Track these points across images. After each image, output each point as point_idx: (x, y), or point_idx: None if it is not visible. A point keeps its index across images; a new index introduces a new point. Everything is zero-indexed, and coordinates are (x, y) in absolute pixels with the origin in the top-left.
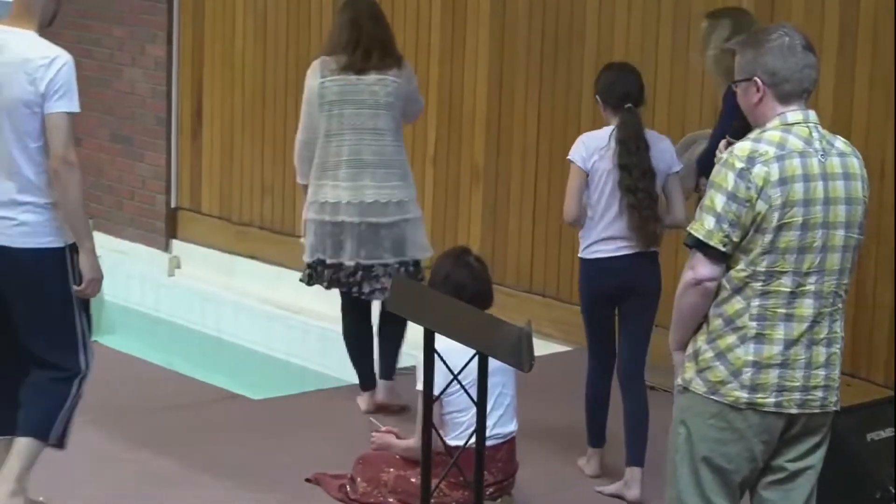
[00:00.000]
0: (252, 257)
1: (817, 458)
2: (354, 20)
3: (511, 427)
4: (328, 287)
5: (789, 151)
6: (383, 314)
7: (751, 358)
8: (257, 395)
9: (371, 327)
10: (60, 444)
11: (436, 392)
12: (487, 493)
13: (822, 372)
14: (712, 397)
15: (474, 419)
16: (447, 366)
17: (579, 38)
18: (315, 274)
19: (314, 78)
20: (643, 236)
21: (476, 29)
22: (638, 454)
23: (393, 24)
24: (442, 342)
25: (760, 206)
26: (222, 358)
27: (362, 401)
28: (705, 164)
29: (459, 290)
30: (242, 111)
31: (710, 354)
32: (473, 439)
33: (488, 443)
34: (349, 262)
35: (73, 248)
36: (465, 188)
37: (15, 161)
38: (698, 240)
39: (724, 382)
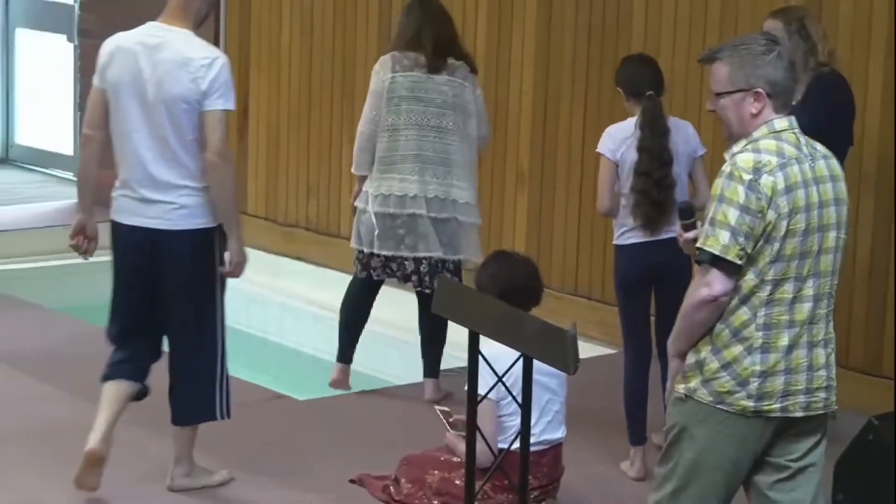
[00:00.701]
0: (298, 258)
1: (818, 455)
2: (427, 19)
3: (558, 434)
4: (378, 277)
5: (788, 159)
6: (426, 311)
7: (758, 368)
8: (303, 396)
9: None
10: (227, 415)
11: (480, 394)
12: (532, 496)
13: (823, 373)
14: (719, 406)
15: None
16: (492, 368)
17: (625, 43)
18: (363, 265)
19: (385, 72)
20: (650, 223)
21: (522, 33)
22: None
23: None
24: (489, 347)
25: (770, 216)
26: (268, 358)
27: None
28: None
29: (508, 282)
30: (288, 112)
31: (716, 365)
32: (518, 443)
33: (534, 448)
34: (410, 255)
35: (220, 231)
36: (510, 192)
37: (173, 150)
38: (714, 255)
39: (731, 392)
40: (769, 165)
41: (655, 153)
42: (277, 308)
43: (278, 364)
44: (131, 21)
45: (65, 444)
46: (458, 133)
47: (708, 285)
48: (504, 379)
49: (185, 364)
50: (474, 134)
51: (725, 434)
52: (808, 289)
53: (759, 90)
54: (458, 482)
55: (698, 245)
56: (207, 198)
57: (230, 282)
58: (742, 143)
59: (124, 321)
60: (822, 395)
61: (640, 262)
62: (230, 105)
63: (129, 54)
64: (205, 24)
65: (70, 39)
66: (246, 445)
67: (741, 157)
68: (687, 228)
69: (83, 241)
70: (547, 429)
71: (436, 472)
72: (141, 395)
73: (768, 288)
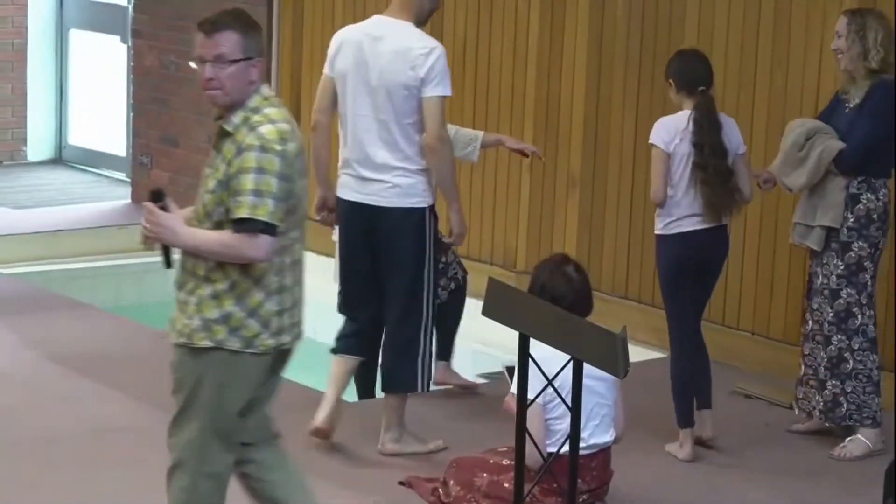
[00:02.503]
0: None
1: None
2: None
3: (607, 438)
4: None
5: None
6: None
7: (276, 308)
8: (351, 398)
9: None
10: (426, 388)
11: (530, 397)
12: (581, 500)
13: (301, 307)
14: (247, 350)
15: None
16: (542, 371)
17: (678, 46)
18: None
19: None
20: (713, 210)
21: (574, 36)
22: (706, 397)
23: (490, 33)
24: (539, 350)
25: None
26: (316, 360)
27: None
28: (852, 166)
29: (557, 301)
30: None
31: (242, 314)
32: (566, 447)
33: (583, 452)
34: None
35: (432, 210)
36: (560, 195)
37: (392, 133)
38: (266, 223)
39: (257, 335)
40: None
41: (712, 147)
42: (326, 309)
43: (326, 366)
44: (184, 22)
45: (114, 444)
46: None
47: (258, 249)
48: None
49: (392, 334)
50: None
51: (250, 375)
52: (296, 232)
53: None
54: (506, 485)
55: (248, 215)
56: (420, 179)
57: None
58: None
59: (347, 291)
60: (302, 326)
61: (692, 250)
62: (447, 91)
63: (355, 45)
64: (260, 27)
65: (123, 40)
66: (294, 447)
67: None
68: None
69: (327, 214)
70: (595, 433)
71: (485, 474)
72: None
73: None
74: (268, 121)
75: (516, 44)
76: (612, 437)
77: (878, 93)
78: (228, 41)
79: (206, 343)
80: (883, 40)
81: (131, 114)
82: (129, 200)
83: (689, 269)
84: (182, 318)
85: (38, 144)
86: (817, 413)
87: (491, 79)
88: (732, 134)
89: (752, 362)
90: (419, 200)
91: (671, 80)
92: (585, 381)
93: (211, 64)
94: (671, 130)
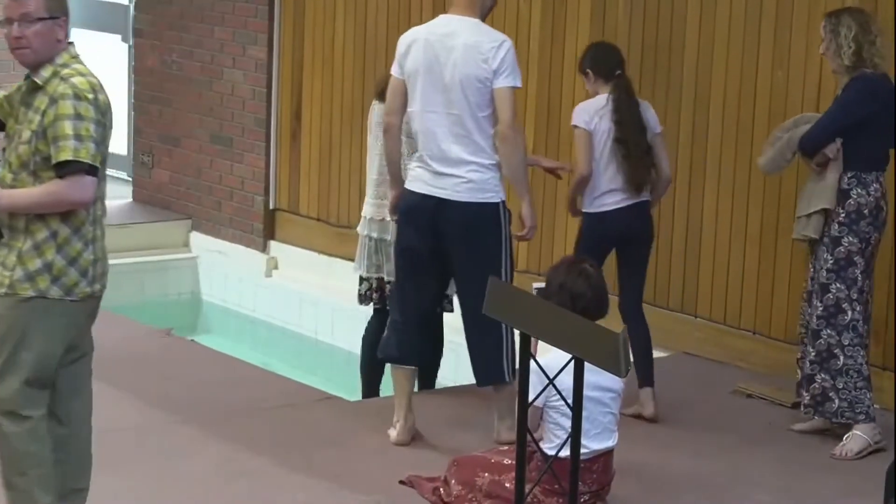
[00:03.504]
0: (350, 259)
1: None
2: None
3: (609, 443)
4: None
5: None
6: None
7: (91, 257)
8: (353, 397)
9: None
10: (514, 377)
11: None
12: (582, 500)
13: (107, 259)
14: (67, 298)
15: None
16: (543, 371)
17: (678, 46)
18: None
19: (378, 105)
20: (633, 184)
21: (574, 37)
22: (649, 376)
23: None
24: (545, 357)
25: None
26: (319, 359)
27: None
28: (807, 147)
29: (576, 299)
30: (341, 113)
31: (63, 263)
32: (567, 448)
33: (584, 456)
34: (374, 276)
35: (505, 204)
36: (561, 194)
37: (467, 127)
38: (90, 164)
39: (76, 283)
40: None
41: (632, 123)
42: (329, 309)
43: (329, 365)
44: (185, 21)
45: (114, 443)
46: None
47: (83, 191)
48: (554, 389)
49: (473, 332)
50: None
51: (70, 322)
52: (104, 184)
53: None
54: (507, 485)
55: (71, 157)
56: (494, 174)
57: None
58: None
59: (403, 288)
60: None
61: (611, 229)
62: (518, 83)
63: (425, 44)
64: (253, 24)
65: (125, 40)
66: (296, 446)
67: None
68: None
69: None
70: (595, 439)
71: (486, 474)
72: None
73: None
74: (78, 73)
75: (517, 44)
76: (615, 442)
77: (851, 84)
78: (34, 1)
79: (30, 293)
80: (856, 36)
81: (132, 113)
82: (130, 199)
83: (607, 248)
84: (3, 270)
85: None
86: (802, 407)
87: None
88: (649, 114)
89: (753, 362)
90: (492, 195)
91: (588, 71)
92: (593, 392)
93: (18, 23)
94: (590, 111)
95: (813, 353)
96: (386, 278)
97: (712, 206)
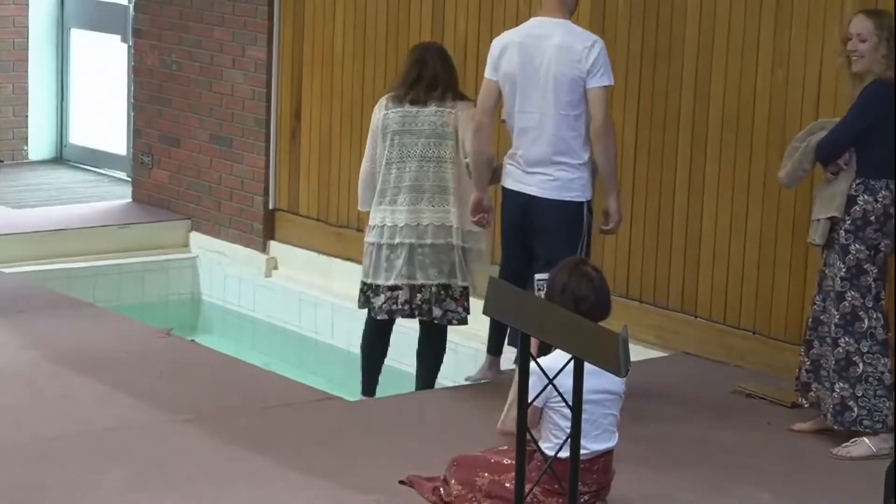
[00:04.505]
0: (350, 260)
1: None
2: (422, 59)
3: (609, 443)
4: (388, 316)
5: None
6: (424, 335)
7: None
8: (353, 397)
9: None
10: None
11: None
12: (582, 500)
13: None
14: None
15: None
16: (543, 371)
17: (678, 45)
18: (365, 298)
19: (379, 111)
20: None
21: None
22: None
23: (491, 33)
24: (548, 360)
25: None
26: (319, 359)
27: None
28: (825, 154)
29: (579, 301)
30: (341, 114)
31: None
32: (567, 449)
33: (584, 456)
34: (405, 282)
35: (589, 205)
36: None
37: (557, 127)
38: None
39: None
40: None
41: None
42: (329, 309)
43: (329, 365)
44: (185, 21)
45: (114, 443)
46: (452, 161)
47: None
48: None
49: None
50: None
51: None
52: None
53: None
54: (507, 485)
55: None
56: (581, 174)
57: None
58: None
59: (505, 274)
60: None
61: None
62: (610, 81)
63: (520, 46)
64: (253, 24)
65: (124, 40)
66: (296, 445)
67: None
68: None
69: (484, 215)
70: (596, 440)
71: (486, 474)
72: None
73: None
74: None
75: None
76: (615, 443)
77: (870, 87)
78: None
79: None
80: (888, 39)
81: (132, 113)
82: (130, 199)
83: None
84: None
85: (40, 144)
86: (829, 416)
87: None
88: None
89: (753, 362)
90: (577, 195)
91: None
92: (594, 395)
93: None
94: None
95: (833, 362)
96: (382, 283)
97: (712, 206)
